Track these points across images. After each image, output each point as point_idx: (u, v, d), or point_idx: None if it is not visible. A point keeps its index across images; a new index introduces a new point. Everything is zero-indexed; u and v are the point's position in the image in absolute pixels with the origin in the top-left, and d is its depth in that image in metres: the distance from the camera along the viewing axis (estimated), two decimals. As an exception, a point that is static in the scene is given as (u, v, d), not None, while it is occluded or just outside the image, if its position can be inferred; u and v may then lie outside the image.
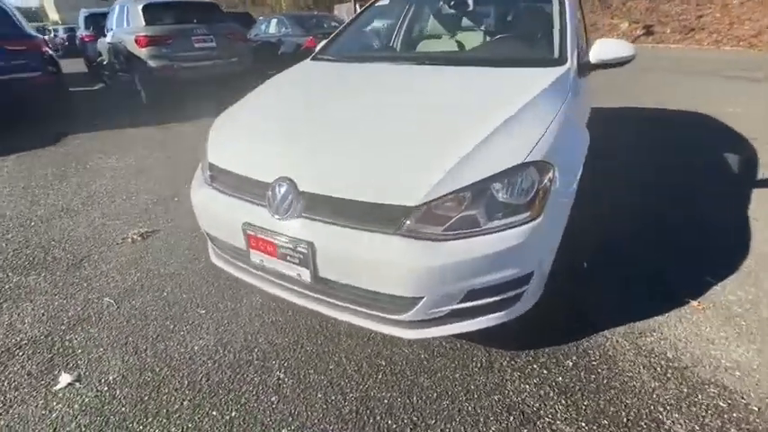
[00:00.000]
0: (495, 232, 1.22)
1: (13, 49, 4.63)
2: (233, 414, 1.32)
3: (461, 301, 1.28)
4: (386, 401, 1.36)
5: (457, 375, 1.45)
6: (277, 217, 1.32)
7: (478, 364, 1.49)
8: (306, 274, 1.32)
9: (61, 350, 1.59)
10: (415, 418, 1.31)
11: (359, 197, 1.24)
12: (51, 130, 4.72)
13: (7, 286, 1.99)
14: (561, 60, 1.81)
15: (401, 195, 1.22)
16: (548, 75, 1.68)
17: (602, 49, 1.85)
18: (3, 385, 1.44)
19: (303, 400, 1.37)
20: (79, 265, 2.15)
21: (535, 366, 1.47)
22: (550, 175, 1.28)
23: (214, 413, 1.32)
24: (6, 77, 4.58)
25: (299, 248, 1.29)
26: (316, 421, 1.30)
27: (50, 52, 5.16)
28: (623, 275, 1.91)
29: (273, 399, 1.37)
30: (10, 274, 2.09)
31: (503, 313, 1.34)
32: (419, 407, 1.34)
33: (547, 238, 1.32)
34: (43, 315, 1.78)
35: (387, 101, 1.70)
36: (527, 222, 1.24)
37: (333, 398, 1.38)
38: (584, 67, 1.91)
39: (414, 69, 2.09)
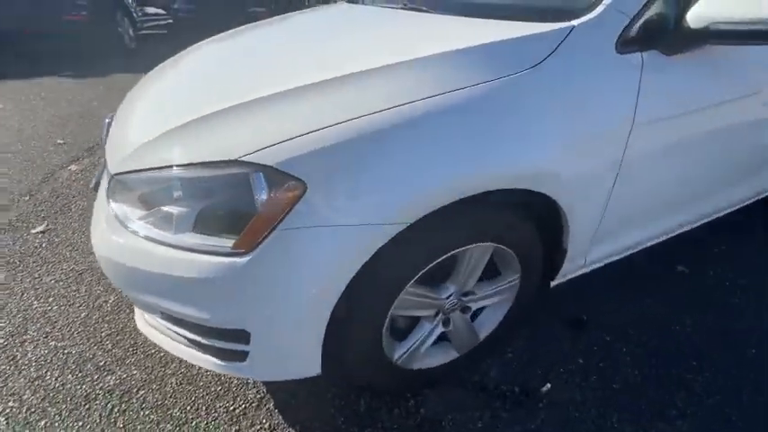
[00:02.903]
0: (186, 250, 0.90)
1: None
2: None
3: (164, 318, 1.05)
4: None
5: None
6: None
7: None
8: None
9: None
10: None
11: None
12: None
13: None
14: (574, 12, 1.06)
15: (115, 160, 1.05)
16: (514, 31, 1.05)
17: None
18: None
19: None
20: None
21: None
22: (293, 194, 0.84)
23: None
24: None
25: None
26: None
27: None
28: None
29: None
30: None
31: (223, 363, 1.04)
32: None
33: (271, 291, 0.89)
34: None
35: (296, 54, 1.32)
36: (229, 255, 0.88)
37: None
38: (662, 36, 1.06)
39: (395, 15, 1.57)
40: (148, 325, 1.18)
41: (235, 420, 1.26)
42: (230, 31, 1.88)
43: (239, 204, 0.88)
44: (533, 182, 1.03)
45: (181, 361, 1.44)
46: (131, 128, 1.15)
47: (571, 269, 1.38)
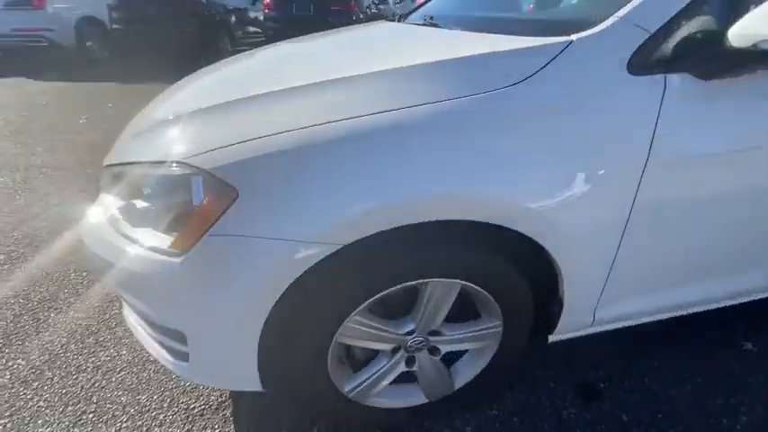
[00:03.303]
0: (135, 243, 0.93)
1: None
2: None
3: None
4: None
5: None
6: None
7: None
8: None
9: None
10: None
11: None
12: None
13: None
14: (580, 25, 0.93)
15: None
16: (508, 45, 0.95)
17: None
18: None
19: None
20: None
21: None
22: (225, 200, 0.82)
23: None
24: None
25: None
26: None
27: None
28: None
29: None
30: None
31: (173, 361, 1.04)
32: None
33: (201, 296, 0.88)
34: None
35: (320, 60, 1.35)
36: (167, 254, 0.88)
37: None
38: (697, 57, 0.88)
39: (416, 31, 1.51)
40: (127, 313, 1.25)
41: (190, 419, 1.26)
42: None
43: (180, 205, 0.88)
44: (506, 218, 0.89)
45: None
46: (127, 128, 1.25)
47: (574, 325, 1.17)
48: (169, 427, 1.24)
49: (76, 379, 1.39)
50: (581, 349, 1.49)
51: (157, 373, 1.41)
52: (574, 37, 0.90)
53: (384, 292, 0.94)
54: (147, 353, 1.47)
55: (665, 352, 1.47)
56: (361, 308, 0.95)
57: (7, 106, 4.62)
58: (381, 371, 1.10)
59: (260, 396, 1.32)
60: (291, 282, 0.85)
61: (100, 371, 1.42)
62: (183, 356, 1.03)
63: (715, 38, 0.85)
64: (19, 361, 1.47)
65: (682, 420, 1.26)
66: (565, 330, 1.17)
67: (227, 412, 1.28)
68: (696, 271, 1.17)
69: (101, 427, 1.24)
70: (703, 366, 1.43)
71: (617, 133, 0.89)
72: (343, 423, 1.20)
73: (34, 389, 1.36)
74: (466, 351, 1.21)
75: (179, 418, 1.26)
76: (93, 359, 1.47)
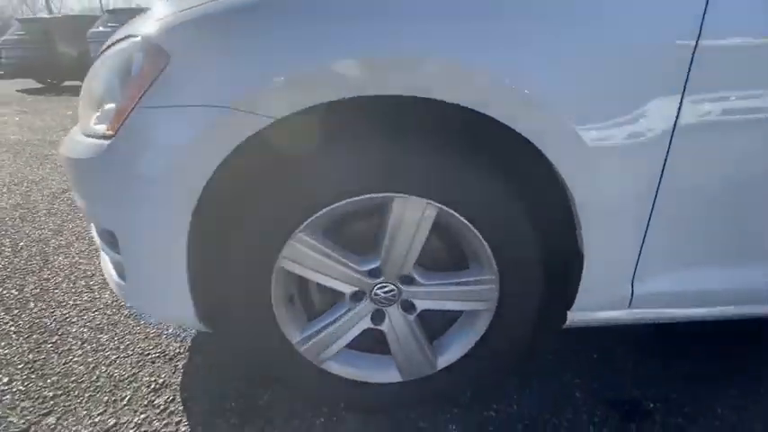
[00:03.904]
0: (88, 135, 0.85)
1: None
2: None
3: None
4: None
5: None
6: None
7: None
8: None
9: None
10: None
11: None
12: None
13: None
14: None
15: None
16: None
17: None
18: None
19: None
20: None
21: None
22: (156, 67, 0.72)
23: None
24: None
25: None
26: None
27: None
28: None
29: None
30: None
31: (116, 280, 0.94)
32: None
33: (128, 183, 0.76)
34: None
35: None
36: (99, 138, 0.81)
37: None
38: None
39: None
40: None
41: (140, 364, 1.13)
42: None
43: (124, 82, 0.80)
44: (498, 105, 0.68)
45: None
46: None
47: (605, 300, 0.86)
48: (116, 368, 1.12)
49: (53, 312, 1.35)
50: (625, 359, 1.14)
51: (128, 318, 1.32)
52: None
53: (336, 204, 0.76)
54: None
55: (746, 381, 1.06)
56: (308, 221, 0.78)
57: None
58: (340, 321, 0.89)
59: (220, 353, 1.16)
60: (219, 163, 0.71)
61: (76, 308, 1.37)
62: (121, 271, 0.93)
63: None
64: (13, 291, 1.47)
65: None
66: (593, 305, 0.87)
67: (180, 364, 1.13)
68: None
69: (53, 357, 1.16)
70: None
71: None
72: (294, 386, 0.99)
73: (13, 315, 1.34)
74: (454, 324, 0.96)
75: (130, 361, 1.14)
76: (76, 298, 1.43)
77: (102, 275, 1.56)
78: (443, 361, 0.94)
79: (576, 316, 0.89)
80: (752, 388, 1.04)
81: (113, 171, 0.78)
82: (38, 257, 1.71)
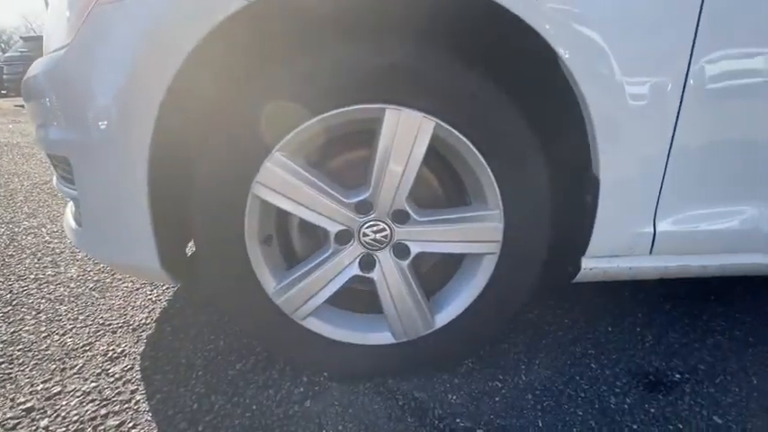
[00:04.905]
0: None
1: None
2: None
3: None
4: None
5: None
6: None
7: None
8: None
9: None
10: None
11: None
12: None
13: None
14: None
15: None
16: None
17: None
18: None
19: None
20: None
21: None
22: None
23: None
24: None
25: None
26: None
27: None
28: None
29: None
30: None
31: (73, 227, 0.85)
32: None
33: (82, 97, 0.67)
34: None
35: None
36: (59, 50, 0.70)
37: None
38: None
39: None
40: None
41: (99, 333, 1.00)
42: None
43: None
44: None
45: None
46: None
47: (624, 242, 0.76)
48: (71, 337, 0.98)
49: (11, 285, 1.22)
50: (641, 332, 1.02)
51: (93, 291, 1.19)
52: None
53: (320, 116, 0.66)
54: (92, 272, 1.29)
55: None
56: (288, 138, 0.68)
57: None
58: (323, 268, 0.77)
59: (191, 324, 1.04)
60: (179, 67, 0.62)
61: (37, 282, 1.24)
62: (77, 217, 0.82)
63: None
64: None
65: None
66: (611, 248, 0.77)
67: (145, 334, 1.00)
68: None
69: (0, 326, 1.02)
70: None
71: None
72: (269, 346, 0.86)
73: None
74: (453, 277, 0.85)
75: (88, 331, 1.01)
76: (38, 273, 1.30)
77: (73, 254, 1.44)
78: (441, 318, 0.82)
79: (590, 263, 0.79)
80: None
81: (67, 81, 0.69)
82: (4, 237, 1.59)
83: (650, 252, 0.77)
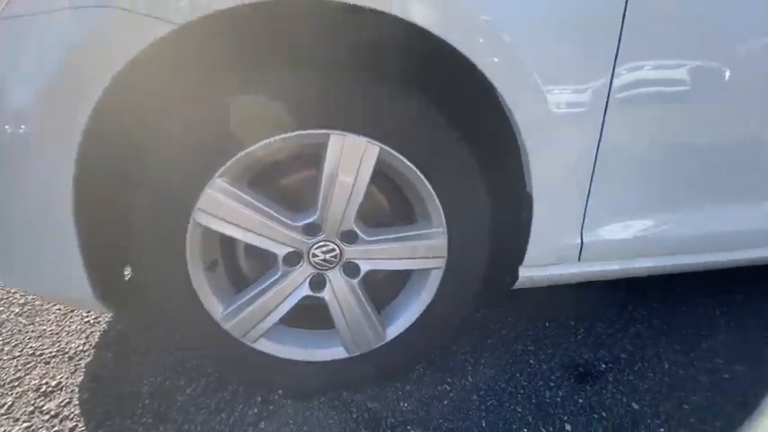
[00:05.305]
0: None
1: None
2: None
3: None
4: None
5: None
6: None
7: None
8: None
9: None
10: None
11: None
12: None
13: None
14: None
15: None
16: None
17: None
18: None
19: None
20: None
21: None
22: None
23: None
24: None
25: None
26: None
27: None
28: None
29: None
30: None
31: None
32: None
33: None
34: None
35: None
36: None
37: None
38: None
39: None
40: None
41: (29, 365, 0.93)
42: None
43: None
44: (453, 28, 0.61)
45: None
46: None
47: (556, 250, 0.83)
48: (-5, 373, 0.91)
49: None
50: (575, 326, 1.12)
51: (19, 316, 1.10)
52: None
53: (262, 143, 0.65)
54: (17, 294, 1.19)
55: (696, 336, 1.09)
56: (229, 164, 0.66)
57: None
58: (273, 290, 0.77)
59: (136, 348, 0.99)
60: (107, 84, 0.58)
61: None
62: None
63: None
64: None
65: (722, 412, 0.85)
66: (544, 257, 0.83)
67: (83, 363, 0.94)
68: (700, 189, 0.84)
69: None
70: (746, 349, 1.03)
71: None
72: (223, 372, 0.85)
73: None
74: (403, 290, 0.88)
75: (16, 364, 0.93)
76: (-48, 298, 1.18)
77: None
78: (393, 330, 0.85)
79: (527, 272, 0.85)
80: (694, 342, 1.06)
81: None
82: None
83: (578, 259, 0.85)
